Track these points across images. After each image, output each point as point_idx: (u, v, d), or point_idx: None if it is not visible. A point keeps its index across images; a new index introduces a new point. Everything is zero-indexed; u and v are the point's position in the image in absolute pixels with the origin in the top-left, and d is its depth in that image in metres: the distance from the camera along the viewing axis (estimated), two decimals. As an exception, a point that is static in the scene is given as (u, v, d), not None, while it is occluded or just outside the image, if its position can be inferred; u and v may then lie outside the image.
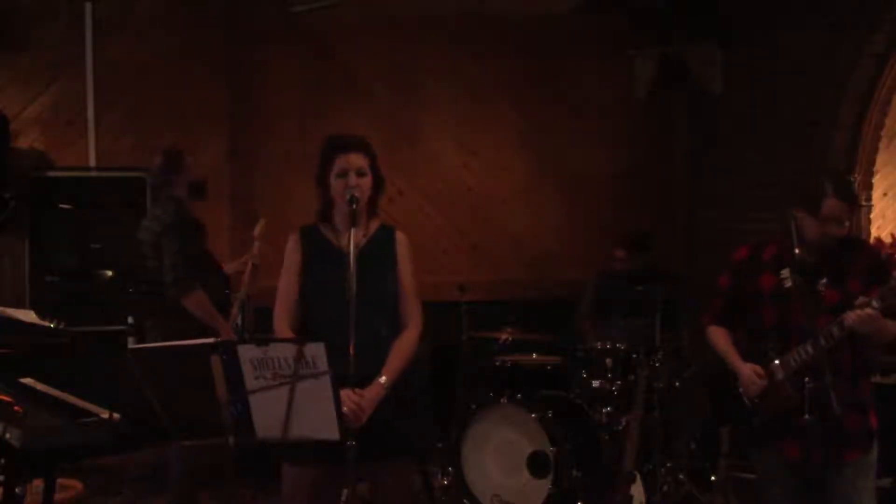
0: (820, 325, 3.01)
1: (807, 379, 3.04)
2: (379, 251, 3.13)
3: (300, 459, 2.98)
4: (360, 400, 2.89)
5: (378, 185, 3.14)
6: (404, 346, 3.07)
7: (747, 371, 3.21)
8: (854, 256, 3.17)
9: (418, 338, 3.13)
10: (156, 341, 4.09)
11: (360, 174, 3.06)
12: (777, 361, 3.15)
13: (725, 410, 3.42)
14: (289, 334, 3.01)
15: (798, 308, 3.07)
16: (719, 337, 3.40)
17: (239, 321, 4.80)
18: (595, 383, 4.97)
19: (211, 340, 2.56)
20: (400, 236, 3.20)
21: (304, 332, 3.04)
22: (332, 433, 2.59)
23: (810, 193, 3.10)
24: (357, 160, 3.06)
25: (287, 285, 3.12)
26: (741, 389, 3.25)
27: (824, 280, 3.12)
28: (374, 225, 3.19)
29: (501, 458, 4.65)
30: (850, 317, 2.94)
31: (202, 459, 4.13)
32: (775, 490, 3.28)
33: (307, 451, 2.88)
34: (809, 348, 3.03)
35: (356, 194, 3.01)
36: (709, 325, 3.45)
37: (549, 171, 6.75)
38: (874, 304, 2.93)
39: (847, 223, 3.13)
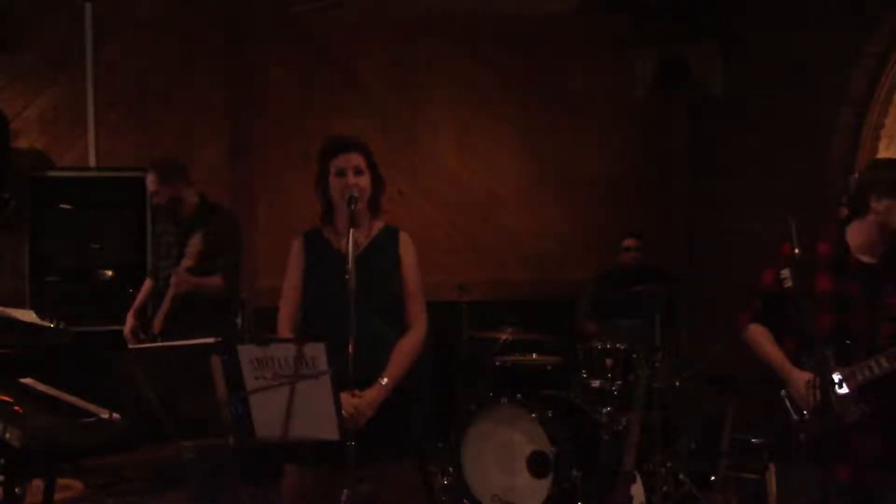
0: (884, 334, 2.80)
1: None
2: (381, 252, 3.13)
3: (301, 459, 2.98)
4: (359, 402, 2.89)
5: (377, 184, 3.15)
6: (408, 347, 3.08)
7: (802, 381, 2.88)
8: None
9: (423, 338, 3.13)
10: None
11: (358, 173, 3.07)
12: (838, 373, 2.85)
13: (765, 421, 3.11)
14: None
15: (860, 315, 2.83)
16: (763, 338, 3.07)
17: (238, 321, 4.80)
18: (595, 383, 4.97)
19: (211, 340, 2.56)
20: (404, 237, 3.20)
21: (305, 333, 3.04)
22: (331, 433, 2.59)
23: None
24: (354, 159, 3.08)
25: (290, 290, 3.14)
26: (794, 400, 2.94)
27: (889, 285, 2.88)
28: (377, 226, 3.19)
29: (501, 458, 4.65)
30: None
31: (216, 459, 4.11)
32: None
33: (308, 452, 2.88)
34: (884, 362, 2.77)
35: (355, 194, 3.01)
36: (747, 324, 3.13)
37: (549, 170, 6.74)
38: None
39: None
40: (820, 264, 2.97)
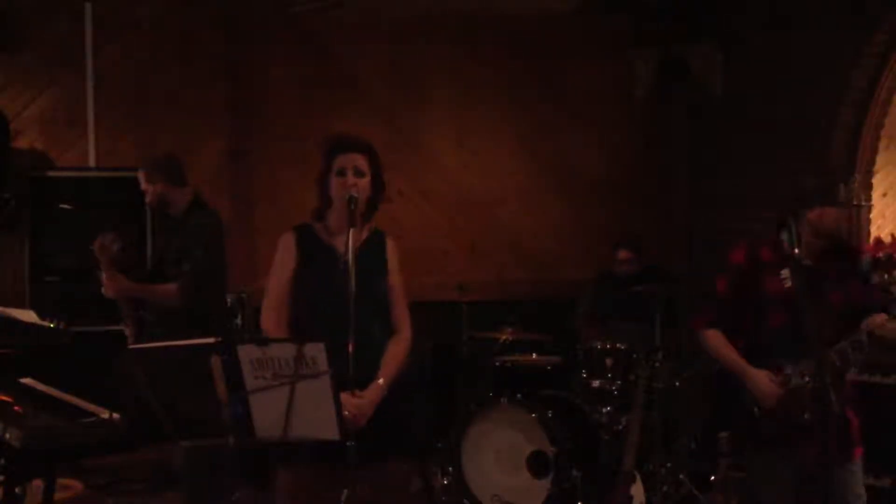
0: (830, 331, 3.04)
1: (807, 378, 3.05)
2: (371, 256, 3.13)
3: (299, 460, 2.98)
4: (360, 402, 2.89)
5: (378, 188, 3.14)
6: (399, 350, 3.09)
7: (762, 377, 3.14)
8: (847, 258, 3.20)
9: (411, 342, 3.15)
10: None
11: (359, 173, 3.06)
12: (791, 367, 3.10)
13: (726, 415, 3.40)
14: (279, 333, 3.00)
15: (808, 312, 3.02)
16: (719, 341, 3.30)
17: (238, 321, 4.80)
18: (595, 383, 4.97)
19: (211, 340, 2.56)
20: (390, 242, 3.21)
21: (295, 332, 3.03)
22: (332, 433, 2.59)
23: (822, 184, 3.19)
24: (356, 159, 3.07)
25: (278, 285, 3.10)
26: (752, 396, 3.17)
27: (830, 282, 3.14)
28: (368, 228, 3.19)
29: (501, 458, 4.65)
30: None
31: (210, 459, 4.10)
32: (777, 494, 3.20)
33: (307, 452, 2.88)
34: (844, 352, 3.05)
35: (354, 194, 3.01)
36: (702, 328, 3.36)
37: (549, 170, 6.74)
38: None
39: None
40: (765, 268, 3.21)
